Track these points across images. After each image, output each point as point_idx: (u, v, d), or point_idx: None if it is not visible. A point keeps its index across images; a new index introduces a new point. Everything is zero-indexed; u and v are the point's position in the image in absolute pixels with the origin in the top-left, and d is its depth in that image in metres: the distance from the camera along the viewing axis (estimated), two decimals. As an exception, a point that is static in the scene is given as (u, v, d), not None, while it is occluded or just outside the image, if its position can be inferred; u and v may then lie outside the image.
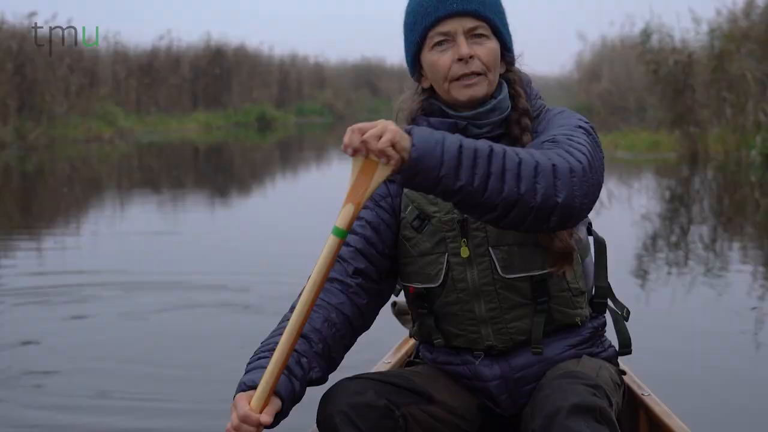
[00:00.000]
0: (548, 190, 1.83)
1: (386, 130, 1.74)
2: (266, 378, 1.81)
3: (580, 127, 2.01)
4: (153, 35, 35.66)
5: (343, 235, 1.79)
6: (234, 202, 12.41)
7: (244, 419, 1.80)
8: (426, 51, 2.05)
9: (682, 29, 16.93)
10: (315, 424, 1.95)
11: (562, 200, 1.84)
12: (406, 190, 2.11)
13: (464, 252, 2.04)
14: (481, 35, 2.02)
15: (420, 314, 2.14)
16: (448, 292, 2.07)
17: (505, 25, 2.08)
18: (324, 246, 1.79)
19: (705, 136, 15.58)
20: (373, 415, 1.91)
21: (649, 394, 2.32)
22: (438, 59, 2.02)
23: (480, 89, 2.02)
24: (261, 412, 1.81)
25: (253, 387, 1.85)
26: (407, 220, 2.10)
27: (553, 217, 1.85)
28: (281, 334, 1.86)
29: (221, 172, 16.29)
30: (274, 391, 1.84)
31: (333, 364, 2.05)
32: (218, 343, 4.88)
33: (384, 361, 2.55)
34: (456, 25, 2.01)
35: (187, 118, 28.17)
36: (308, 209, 10.60)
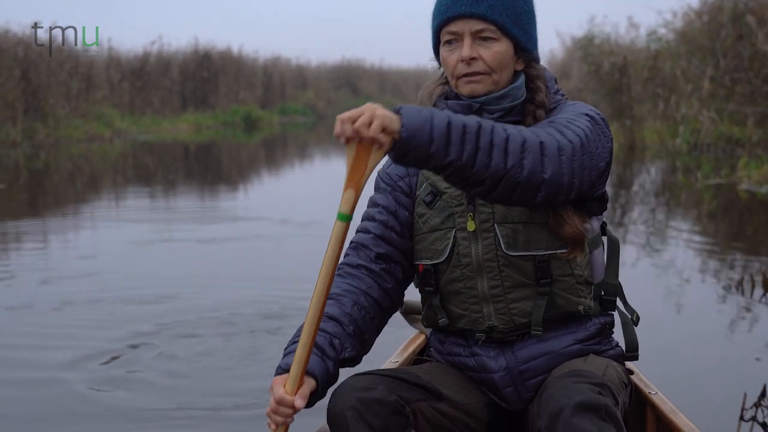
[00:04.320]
0: (534, 166, 1.87)
1: (375, 116, 1.75)
2: (296, 362, 1.88)
3: (587, 114, 2.04)
4: (143, 41, 37.05)
5: (347, 218, 1.82)
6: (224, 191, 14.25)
7: (280, 402, 1.89)
8: (441, 46, 2.12)
9: (619, 35, 18.70)
10: (326, 420, 1.97)
11: (548, 176, 1.88)
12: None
13: (470, 225, 2.07)
14: (488, 38, 2.06)
15: (427, 294, 2.17)
16: (453, 268, 2.10)
17: (522, 25, 2.08)
18: (331, 232, 1.83)
19: (641, 128, 17.56)
20: (384, 411, 1.91)
21: (656, 393, 2.30)
22: (447, 57, 2.09)
23: (481, 87, 2.07)
24: (295, 395, 1.89)
25: (288, 371, 1.92)
26: (421, 197, 2.15)
27: (539, 192, 1.89)
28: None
29: (212, 167, 18.10)
30: (309, 373, 1.92)
31: (365, 345, 2.12)
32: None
33: (392, 360, 2.52)
34: (464, 26, 2.06)
35: (178, 118, 29.54)
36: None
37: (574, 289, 2.07)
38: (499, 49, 2.05)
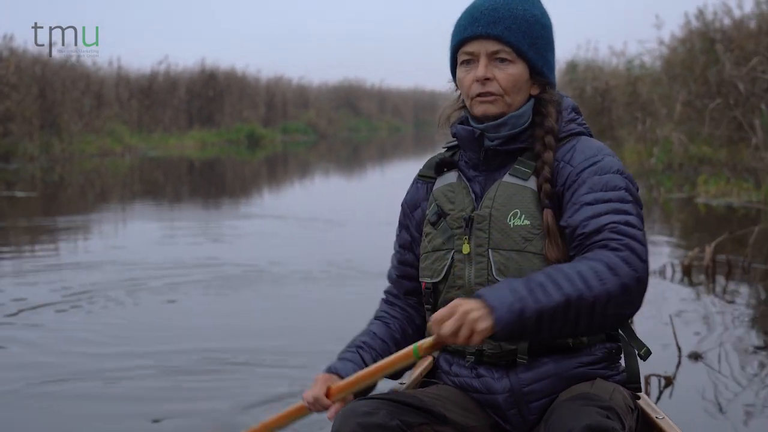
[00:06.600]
0: (620, 310, 1.89)
1: (474, 330, 1.80)
2: (350, 385, 2.03)
3: (626, 189, 1.99)
4: (151, 60, 37.94)
5: (418, 356, 1.90)
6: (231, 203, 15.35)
7: (317, 400, 2.04)
8: (458, 66, 2.13)
9: (604, 62, 19.95)
10: None
11: (613, 320, 1.90)
12: (433, 191, 2.21)
13: (465, 248, 2.08)
14: (504, 59, 2.07)
15: (428, 312, 2.19)
16: (449, 289, 2.12)
17: (538, 49, 2.09)
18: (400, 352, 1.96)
19: (621, 148, 18.76)
20: None
21: (663, 418, 2.25)
22: (463, 77, 2.11)
23: (494, 108, 2.08)
24: (333, 402, 2.02)
25: (335, 373, 2.10)
26: (429, 217, 2.18)
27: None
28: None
29: (214, 182, 19.24)
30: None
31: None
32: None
33: (399, 382, 2.47)
34: (480, 47, 2.07)
35: (185, 135, 30.47)
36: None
37: None
38: (513, 72, 2.08)
